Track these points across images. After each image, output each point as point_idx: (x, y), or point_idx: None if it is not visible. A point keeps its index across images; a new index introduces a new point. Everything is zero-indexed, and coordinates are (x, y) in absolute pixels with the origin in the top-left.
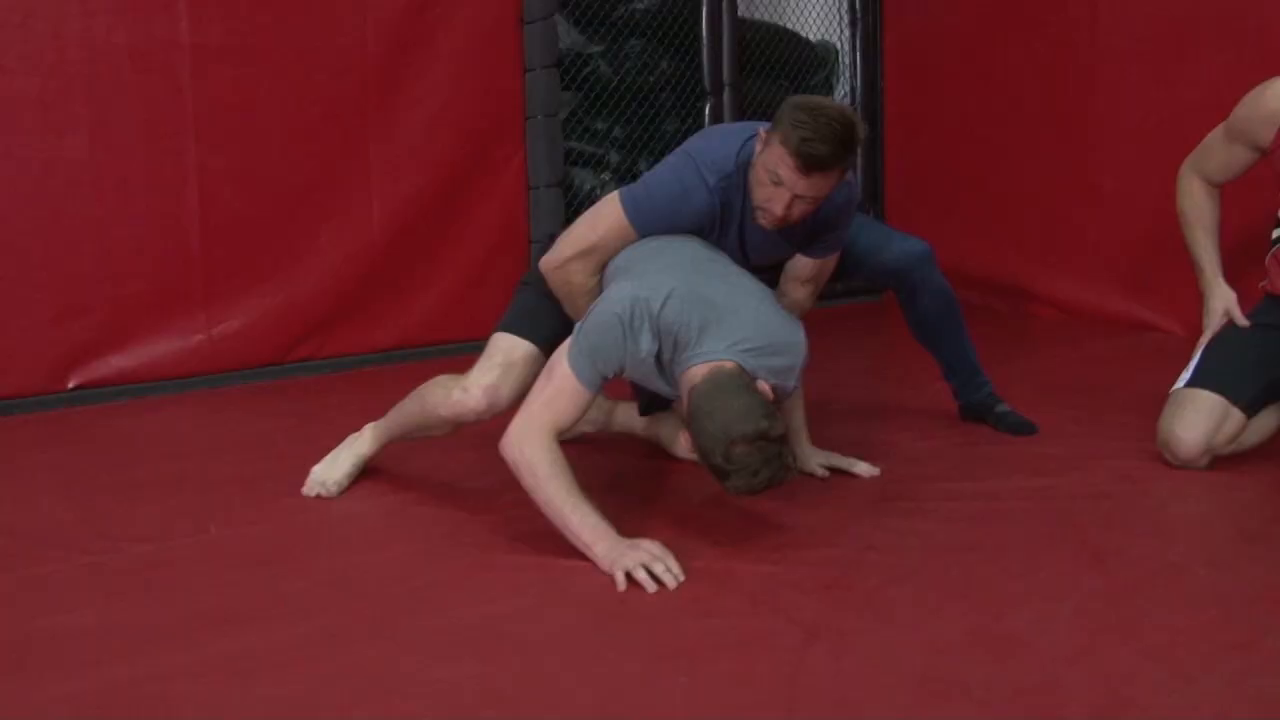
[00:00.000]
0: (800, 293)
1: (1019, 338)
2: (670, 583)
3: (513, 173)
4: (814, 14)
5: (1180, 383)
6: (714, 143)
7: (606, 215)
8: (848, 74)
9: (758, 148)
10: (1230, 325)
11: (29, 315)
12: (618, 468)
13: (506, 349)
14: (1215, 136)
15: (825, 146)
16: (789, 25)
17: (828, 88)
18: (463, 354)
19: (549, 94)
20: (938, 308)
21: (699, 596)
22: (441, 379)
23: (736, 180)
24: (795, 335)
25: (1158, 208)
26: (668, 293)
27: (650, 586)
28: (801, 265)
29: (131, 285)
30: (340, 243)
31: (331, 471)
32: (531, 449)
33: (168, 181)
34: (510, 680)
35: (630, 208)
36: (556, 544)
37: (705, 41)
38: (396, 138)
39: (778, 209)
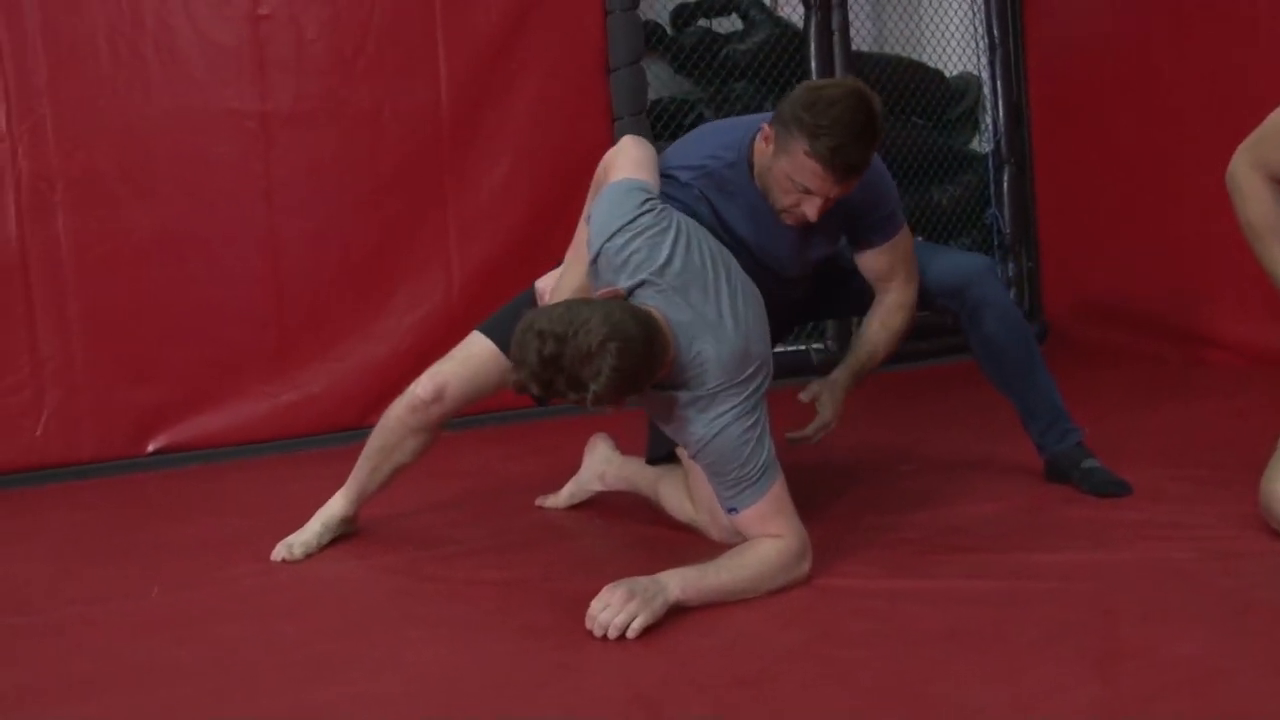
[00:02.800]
0: (891, 293)
1: (1172, 386)
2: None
3: None
4: (954, 44)
5: None
6: (688, 144)
7: (582, 242)
8: (989, 105)
9: (764, 146)
10: None
11: (108, 381)
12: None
13: (468, 343)
14: None
15: (857, 150)
16: (926, 58)
17: (971, 121)
18: (550, 418)
19: None
20: (1006, 333)
21: (580, 687)
22: None
23: (722, 174)
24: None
25: None
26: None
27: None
28: (872, 262)
29: (209, 351)
30: (418, 303)
31: (300, 535)
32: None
33: (242, 246)
34: None
35: None
36: (472, 620)
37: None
38: (476, 195)
39: (812, 213)
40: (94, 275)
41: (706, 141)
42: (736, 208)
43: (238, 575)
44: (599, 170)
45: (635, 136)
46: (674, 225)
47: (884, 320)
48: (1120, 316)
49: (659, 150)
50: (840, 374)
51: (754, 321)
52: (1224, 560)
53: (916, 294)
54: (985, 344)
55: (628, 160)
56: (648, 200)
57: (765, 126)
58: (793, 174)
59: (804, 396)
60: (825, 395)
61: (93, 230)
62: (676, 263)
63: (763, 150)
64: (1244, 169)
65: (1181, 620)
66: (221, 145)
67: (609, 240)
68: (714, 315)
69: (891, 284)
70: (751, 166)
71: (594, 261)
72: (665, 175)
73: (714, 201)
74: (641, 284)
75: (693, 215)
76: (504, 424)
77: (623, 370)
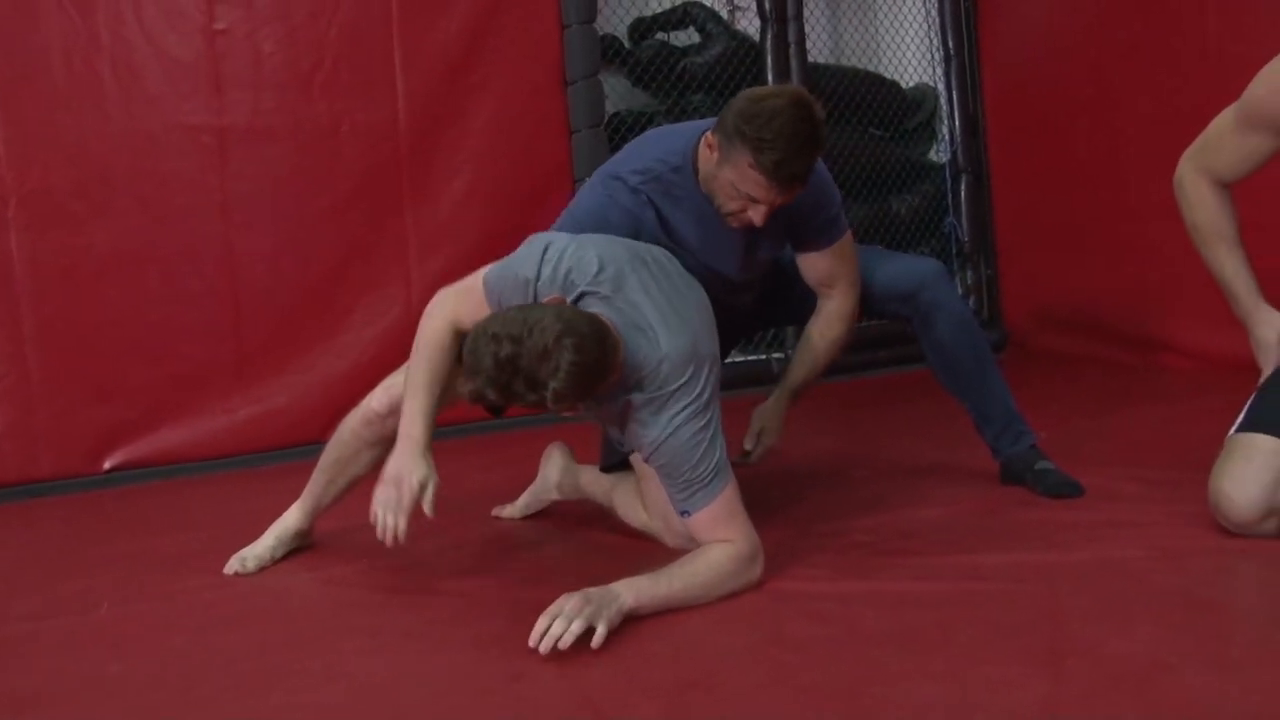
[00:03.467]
0: (833, 300)
1: (1130, 391)
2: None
3: None
4: (910, 56)
5: (1233, 428)
6: (634, 149)
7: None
8: (946, 115)
9: (708, 154)
10: None
11: (64, 398)
12: (569, 546)
13: None
14: (1224, 125)
15: (801, 161)
16: (883, 70)
17: (929, 132)
18: (509, 430)
19: (596, 155)
20: (958, 337)
21: (528, 694)
22: None
23: (668, 179)
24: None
25: None
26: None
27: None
28: (814, 266)
29: (167, 367)
30: (378, 317)
31: (253, 548)
32: (430, 323)
33: (200, 262)
34: None
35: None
36: (422, 630)
37: None
38: (435, 209)
39: (757, 219)
40: (49, 292)
41: (653, 146)
42: (682, 212)
43: (189, 589)
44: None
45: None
46: (592, 239)
47: (823, 331)
48: (1078, 323)
49: (608, 157)
50: (777, 397)
51: (699, 321)
52: (1172, 559)
53: (858, 302)
54: (937, 348)
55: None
56: (548, 236)
57: (709, 135)
58: (737, 183)
59: (748, 443)
60: (769, 424)
61: (47, 247)
62: (610, 269)
63: (707, 158)
64: (1190, 175)
65: (1128, 618)
66: (178, 161)
67: (538, 279)
68: (658, 316)
69: (834, 290)
70: (696, 171)
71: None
72: (615, 178)
73: (660, 206)
74: (582, 296)
75: (638, 220)
76: (461, 437)
77: (580, 365)
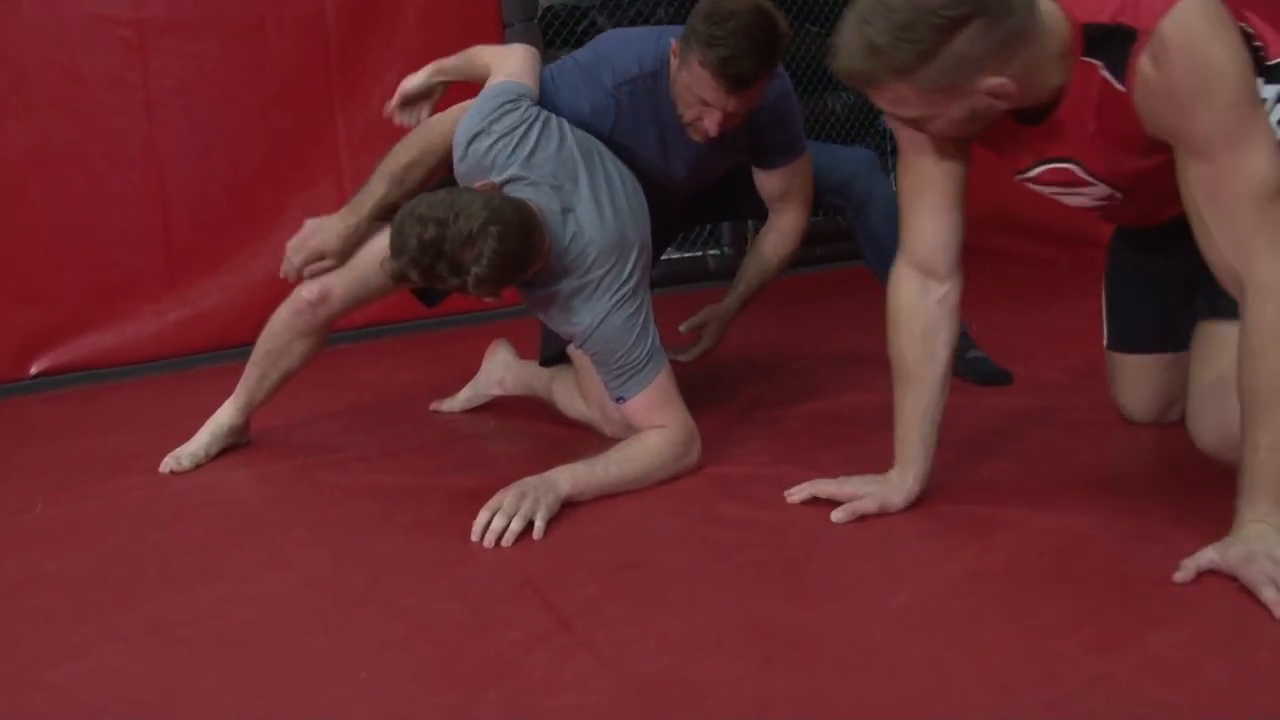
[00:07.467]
0: (786, 215)
1: (1059, 287)
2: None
3: None
4: None
5: (1104, 340)
6: (621, 45)
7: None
8: None
9: (673, 61)
10: (1115, 269)
11: None
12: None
13: (360, 249)
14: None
15: (749, 61)
16: None
17: None
18: (441, 329)
19: None
20: (892, 225)
21: (471, 576)
22: None
23: (645, 85)
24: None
25: None
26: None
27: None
28: (769, 183)
29: (93, 270)
30: (309, 216)
31: (187, 446)
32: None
33: (124, 163)
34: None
35: None
36: (361, 520)
37: None
38: (366, 106)
39: (712, 127)
40: None
41: (636, 45)
42: (647, 117)
43: (124, 488)
44: (488, 56)
45: (527, 48)
46: (538, 120)
47: (776, 246)
48: (1007, 219)
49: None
50: (731, 302)
51: (630, 208)
52: (1094, 441)
53: (809, 219)
54: (871, 236)
55: (508, 65)
56: (509, 102)
57: (674, 42)
58: (692, 85)
59: (684, 328)
60: (713, 326)
61: None
62: (542, 154)
63: (673, 65)
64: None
65: (1051, 494)
66: (96, 56)
67: (473, 142)
68: (587, 203)
69: (787, 207)
70: (669, 78)
71: (462, 160)
72: (593, 75)
73: (624, 111)
74: (511, 180)
75: (600, 121)
76: (400, 335)
77: (503, 253)
